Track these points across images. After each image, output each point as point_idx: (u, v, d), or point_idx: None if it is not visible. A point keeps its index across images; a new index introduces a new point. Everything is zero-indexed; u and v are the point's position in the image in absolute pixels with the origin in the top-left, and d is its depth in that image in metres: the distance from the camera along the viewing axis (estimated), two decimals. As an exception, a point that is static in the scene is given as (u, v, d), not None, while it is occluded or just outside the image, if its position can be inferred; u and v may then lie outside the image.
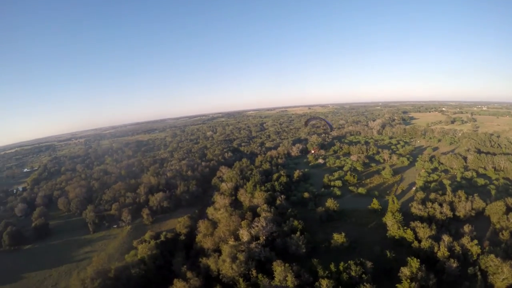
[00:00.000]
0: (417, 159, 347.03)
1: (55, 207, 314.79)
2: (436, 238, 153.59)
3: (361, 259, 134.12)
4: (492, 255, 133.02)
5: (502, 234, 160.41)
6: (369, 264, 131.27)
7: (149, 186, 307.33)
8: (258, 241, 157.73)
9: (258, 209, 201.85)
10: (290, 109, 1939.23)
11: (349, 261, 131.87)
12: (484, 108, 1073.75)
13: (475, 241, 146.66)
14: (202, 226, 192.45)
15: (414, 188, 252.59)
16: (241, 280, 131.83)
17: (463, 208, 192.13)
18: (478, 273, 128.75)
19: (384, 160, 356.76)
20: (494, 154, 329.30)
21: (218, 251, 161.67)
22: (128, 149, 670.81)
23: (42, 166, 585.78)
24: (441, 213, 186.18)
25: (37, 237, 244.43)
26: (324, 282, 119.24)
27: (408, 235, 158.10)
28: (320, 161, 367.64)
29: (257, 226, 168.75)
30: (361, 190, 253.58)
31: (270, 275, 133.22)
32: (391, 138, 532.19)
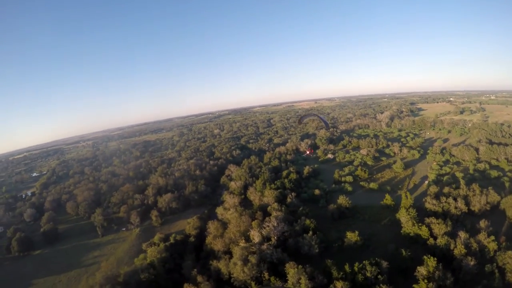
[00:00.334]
0: (428, 151, 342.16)
1: (63, 211, 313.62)
2: (452, 235, 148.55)
3: (376, 258, 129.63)
4: (510, 252, 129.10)
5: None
6: (384, 264, 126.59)
7: (157, 187, 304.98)
8: (270, 242, 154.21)
9: (269, 208, 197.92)
10: (297, 104, 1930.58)
11: (364, 261, 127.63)
12: (493, 97, 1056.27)
13: (492, 237, 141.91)
14: (212, 227, 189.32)
15: (426, 182, 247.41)
16: (253, 283, 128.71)
17: (478, 202, 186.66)
18: (496, 270, 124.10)
19: (394, 153, 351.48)
20: (506, 145, 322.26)
21: (228, 253, 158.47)
22: (136, 150, 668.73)
23: (51, 170, 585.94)
24: (455, 208, 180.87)
25: (46, 242, 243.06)
26: (339, 284, 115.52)
27: (423, 232, 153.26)
28: (330, 156, 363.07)
29: (268, 226, 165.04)
30: (372, 185, 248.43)
31: (283, 277, 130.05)
32: (400, 130, 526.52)
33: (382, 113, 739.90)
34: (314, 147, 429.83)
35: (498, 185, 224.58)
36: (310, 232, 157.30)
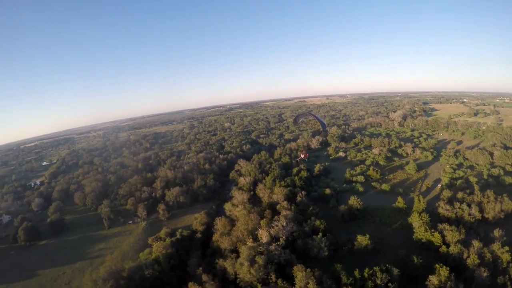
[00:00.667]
0: (441, 153, 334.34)
1: (71, 202, 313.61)
2: (465, 243, 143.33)
3: (387, 265, 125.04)
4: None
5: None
6: (395, 271, 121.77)
7: (166, 180, 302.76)
8: (278, 243, 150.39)
9: (278, 206, 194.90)
10: (308, 100, 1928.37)
11: (374, 268, 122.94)
12: (507, 100, 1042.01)
13: (506, 248, 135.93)
14: (219, 223, 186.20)
15: (439, 186, 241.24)
16: (259, 285, 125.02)
17: (492, 209, 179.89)
18: (508, 283, 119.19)
19: (407, 154, 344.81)
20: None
21: (235, 251, 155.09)
22: (146, 141, 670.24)
23: (60, 160, 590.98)
24: (469, 214, 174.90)
25: (53, 233, 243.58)
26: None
27: (436, 238, 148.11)
28: (341, 154, 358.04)
29: (277, 225, 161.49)
30: (384, 186, 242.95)
31: (290, 280, 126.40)
32: (413, 130, 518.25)
33: (394, 111, 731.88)
34: (325, 144, 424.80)
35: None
36: (320, 234, 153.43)
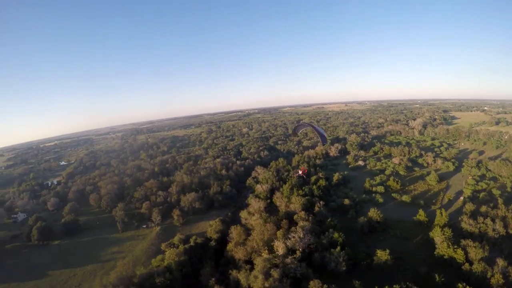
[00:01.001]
0: (463, 164, 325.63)
1: (86, 203, 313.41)
2: (489, 260, 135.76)
3: (408, 283, 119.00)
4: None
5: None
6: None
7: (182, 185, 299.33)
8: (295, 255, 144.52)
9: (295, 216, 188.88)
10: (327, 106, 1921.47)
11: (394, 286, 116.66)
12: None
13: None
14: (234, 232, 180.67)
15: (461, 198, 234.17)
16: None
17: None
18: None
19: (427, 164, 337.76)
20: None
21: (250, 262, 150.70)
22: (163, 144, 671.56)
23: (78, 160, 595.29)
24: (493, 230, 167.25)
25: (66, 233, 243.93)
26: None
27: (459, 255, 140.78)
28: (360, 163, 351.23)
29: (293, 237, 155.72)
30: (405, 198, 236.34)
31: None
32: (433, 139, 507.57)
33: (414, 119, 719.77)
34: (344, 152, 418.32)
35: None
36: (338, 247, 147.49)
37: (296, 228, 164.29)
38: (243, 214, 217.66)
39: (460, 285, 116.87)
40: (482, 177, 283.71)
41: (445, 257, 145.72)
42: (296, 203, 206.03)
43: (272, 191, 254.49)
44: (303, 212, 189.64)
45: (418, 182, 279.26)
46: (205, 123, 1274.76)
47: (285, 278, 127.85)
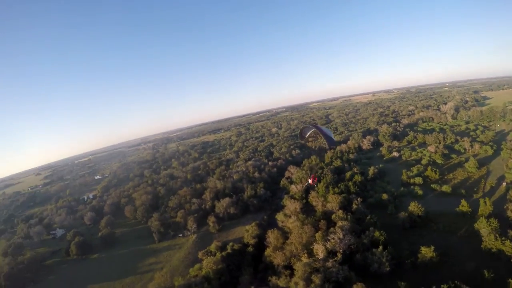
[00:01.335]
0: (502, 146, 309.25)
1: (122, 215, 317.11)
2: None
3: (456, 282, 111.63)
4: None
5: None
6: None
7: (215, 191, 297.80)
8: (335, 258, 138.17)
9: (333, 215, 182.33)
10: (354, 98, 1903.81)
11: (442, 286, 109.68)
12: None
13: None
14: (272, 236, 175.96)
15: (504, 184, 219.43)
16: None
17: None
18: None
19: (464, 149, 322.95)
20: None
21: (289, 267, 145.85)
22: (194, 151, 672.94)
23: (112, 173, 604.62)
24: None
25: (104, 246, 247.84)
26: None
27: (507, 248, 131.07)
28: (395, 154, 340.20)
29: (333, 238, 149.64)
30: (445, 188, 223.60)
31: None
32: (467, 122, 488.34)
33: (445, 104, 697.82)
34: (377, 144, 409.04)
35: None
36: (380, 247, 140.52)
37: (335, 229, 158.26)
38: (279, 216, 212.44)
39: (511, 280, 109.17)
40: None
41: (493, 250, 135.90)
42: (333, 202, 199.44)
43: (307, 191, 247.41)
44: (341, 211, 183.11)
45: (456, 170, 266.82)
46: (234, 126, 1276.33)
47: (327, 283, 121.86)
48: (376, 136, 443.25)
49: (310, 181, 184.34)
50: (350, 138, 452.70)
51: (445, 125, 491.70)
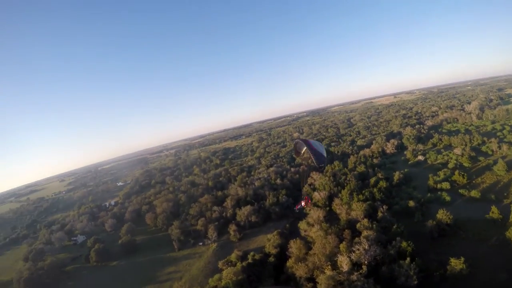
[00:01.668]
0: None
1: (143, 222, 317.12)
2: None
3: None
4: None
5: None
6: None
7: (236, 198, 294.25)
8: (360, 271, 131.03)
9: (358, 224, 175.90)
10: (376, 100, 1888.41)
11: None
12: None
13: None
14: (294, 246, 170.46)
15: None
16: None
17: None
18: None
19: (492, 151, 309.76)
20: None
21: (312, 280, 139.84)
22: (216, 157, 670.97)
23: (134, 180, 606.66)
24: None
25: (124, 254, 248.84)
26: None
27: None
28: (420, 157, 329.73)
29: (358, 249, 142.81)
30: (474, 193, 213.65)
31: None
32: (493, 122, 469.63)
33: (469, 103, 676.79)
34: (401, 147, 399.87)
35: None
36: (408, 258, 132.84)
37: (360, 239, 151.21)
38: (302, 225, 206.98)
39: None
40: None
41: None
42: (358, 210, 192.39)
43: (330, 198, 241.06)
44: (366, 220, 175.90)
45: (485, 173, 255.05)
46: (255, 132, 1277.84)
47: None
48: (400, 139, 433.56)
49: (303, 203, 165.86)
50: (374, 142, 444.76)
51: (470, 125, 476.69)
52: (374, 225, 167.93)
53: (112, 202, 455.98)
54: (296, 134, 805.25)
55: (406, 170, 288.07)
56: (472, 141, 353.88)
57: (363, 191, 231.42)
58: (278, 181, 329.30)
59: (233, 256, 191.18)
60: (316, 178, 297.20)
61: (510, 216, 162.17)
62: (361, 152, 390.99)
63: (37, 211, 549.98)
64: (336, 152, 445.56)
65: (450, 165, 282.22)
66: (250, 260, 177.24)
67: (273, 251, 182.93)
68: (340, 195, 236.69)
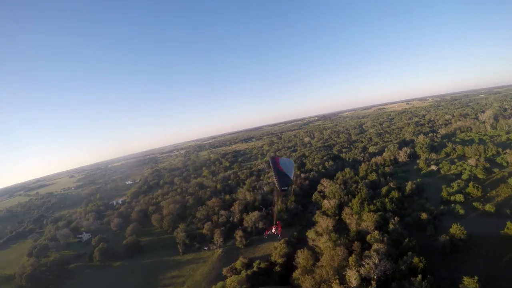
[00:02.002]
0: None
1: (149, 223, 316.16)
2: None
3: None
4: None
5: None
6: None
7: (244, 203, 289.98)
8: (370, 287, 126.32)
9: (368, 236, 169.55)
10: (388, 106, 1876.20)
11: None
12: None
13: None
14: (301, 256, 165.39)
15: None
16: None
17: None
18: None
19: (507, 163, 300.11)
20: None
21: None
22: (225, 160, 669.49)
23: (143, 179, 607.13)
24: None
25: (128, 254, 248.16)
26: None
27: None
28: (433, 167, 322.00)
29: (367, 263, 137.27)
30: (488, 207, 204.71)
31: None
32: (508, 132, 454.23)
33: (483, 112, 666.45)
34: (414, 156, 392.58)
35: None
36: (420, 275, 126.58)
37: (370, 252, 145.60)
38: (310, 234, 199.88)
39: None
40: None
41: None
42: (368, 221, 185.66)
43: (340, 207, 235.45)
44: (376, 232, 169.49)
45: (500, 185, 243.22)
46: (266, 135, 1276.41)
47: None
48: (413, 147, 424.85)
49: (273, 229, 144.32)
50: (386, 149, 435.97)
51: (484, 135, 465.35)
52: (385, 238, 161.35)
53: (120, 201, 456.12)
54: (307, 139, 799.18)
55: (418, 180, 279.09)
56: (486, 151, 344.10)
57: (374, 201, 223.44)
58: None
59: (238, 263, 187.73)
60: (326, 185, 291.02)
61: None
62: (373, 160, 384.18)
63: (45, 206, 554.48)
64: (347, 159, 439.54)
65: (464, 176, 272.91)
66: (255, 269, 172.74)
67: (279, 260, 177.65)
68: (350, 204, 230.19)
